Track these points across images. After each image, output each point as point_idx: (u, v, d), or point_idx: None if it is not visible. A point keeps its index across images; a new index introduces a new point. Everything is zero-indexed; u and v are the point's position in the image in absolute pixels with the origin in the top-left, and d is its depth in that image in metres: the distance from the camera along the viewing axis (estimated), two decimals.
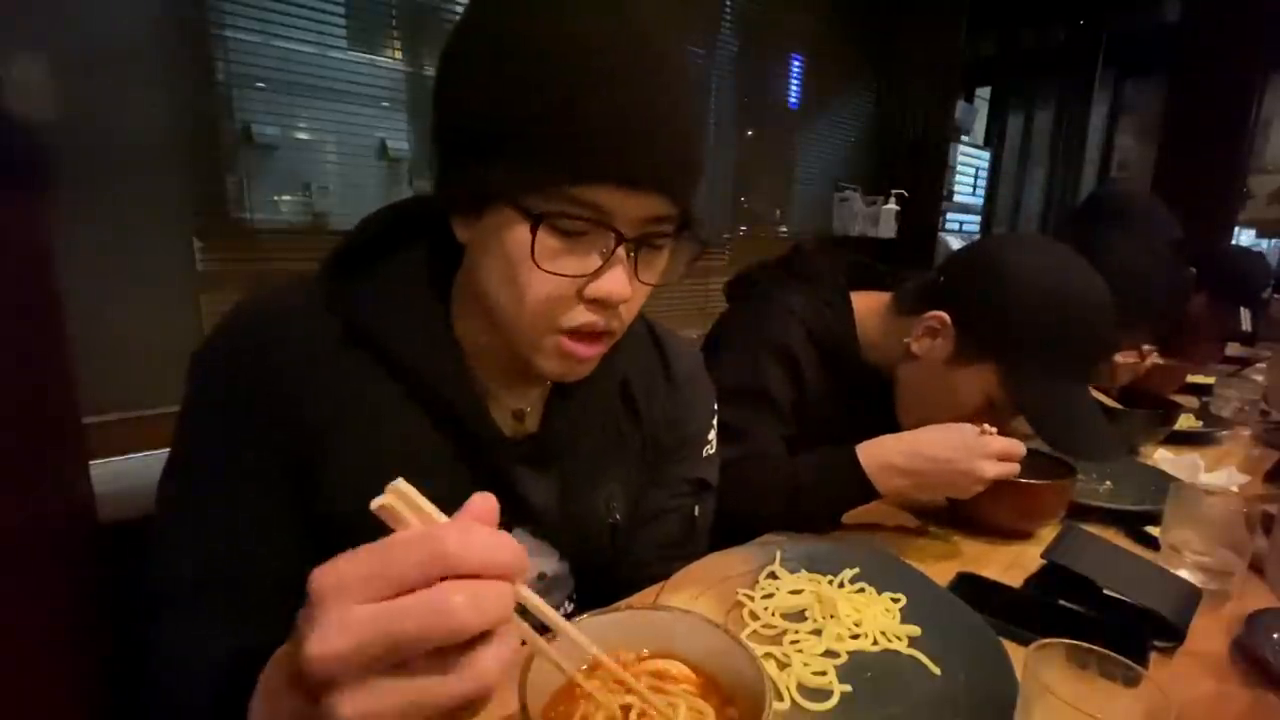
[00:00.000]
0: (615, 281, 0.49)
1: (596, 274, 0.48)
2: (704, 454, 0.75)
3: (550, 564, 0.63)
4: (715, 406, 0.77)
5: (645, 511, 0.70)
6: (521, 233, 0.46)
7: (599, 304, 0.50)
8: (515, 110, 0.45)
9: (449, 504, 0.56)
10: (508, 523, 0.60)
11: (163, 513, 0.53)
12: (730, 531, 0.77)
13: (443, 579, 0.27)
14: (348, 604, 0.26)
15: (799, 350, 0.95)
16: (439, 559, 0.27)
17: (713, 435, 0.76)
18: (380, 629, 0.26)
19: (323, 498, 0.52)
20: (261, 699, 0.35)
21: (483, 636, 0.27)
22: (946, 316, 0.87)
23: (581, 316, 0.50)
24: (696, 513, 0.73)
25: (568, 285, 0.49)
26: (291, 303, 0.54)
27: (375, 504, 0.29)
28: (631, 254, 0.49)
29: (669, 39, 0.47)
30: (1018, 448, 0.79)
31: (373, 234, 0.56)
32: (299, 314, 0.53)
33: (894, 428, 0.94)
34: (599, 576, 0.66)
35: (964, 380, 0.86)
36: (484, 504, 0.31)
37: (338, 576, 0.27)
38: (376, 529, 0.53)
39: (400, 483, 0.29)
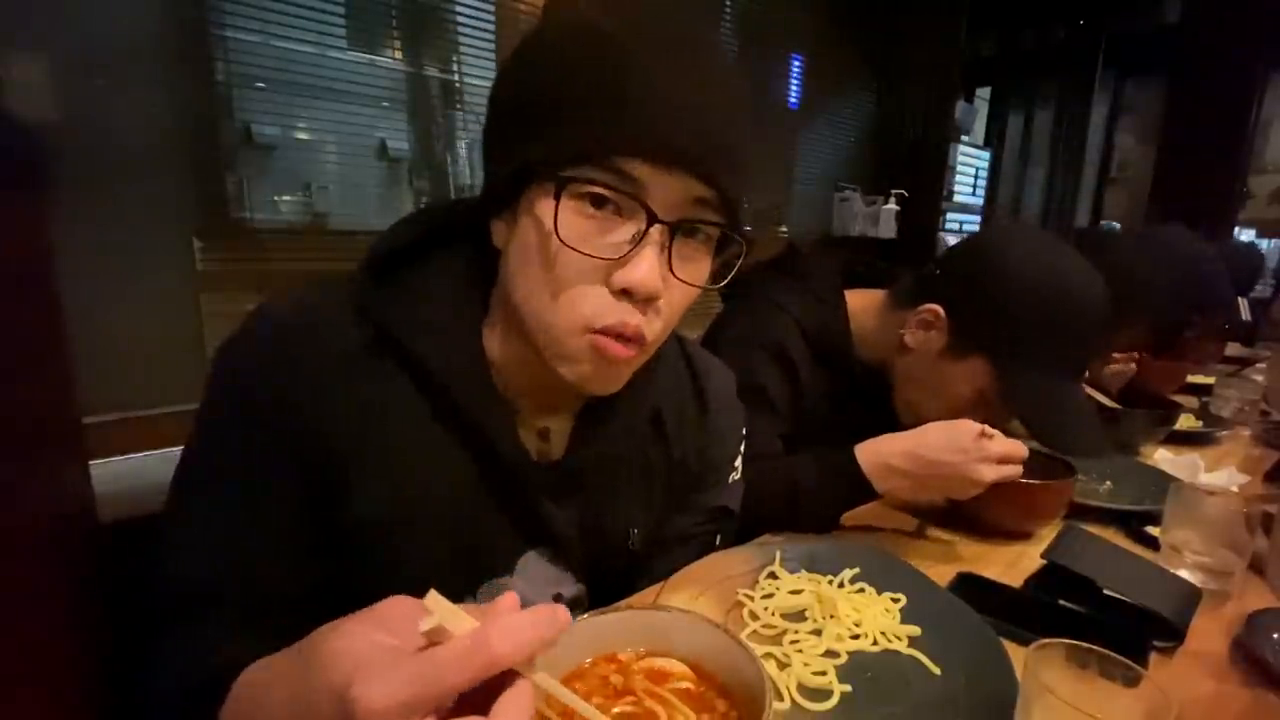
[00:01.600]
0: (644, 268, 0.46)
1: (624, 259, 0.46)
2: (729, 480, 0.73)
3: (568, 586, 0.62)
4: (744, 431, 0.76)
5: (667, 536, 0.69)
6: (549, 204, 0.45)
7: (628, 296, 0.47)
8: (554, 91, 0.45)
9: (464, 527, 0.54)
10: (526, 544, 0.59)
11: (174, 516, 0.52)
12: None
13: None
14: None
15: (794, 349, 0.95)
16: (490, 665, 0.27)
17: (739, 462, 0.75)
18: None
19: (346, 511, 0.51)
20: None
21: None
22: (940, 309, 0.87)
23: (612, 314, 0.47)
24: (718, 541, 0.73)
25: (595, 273, 0.47)
26: (318, 308, 0.53)
27: (424, 628, 0.29)
28: (666, 243, 0.47)
29: (706, 32, 0.49)
30: (1019, 450, 0.78)
31: (410, 239, 0.55)
32: (326, 320, 0.52)
33: (890, 425, 0.94)
34: (613, 596, 0.65)
35: (957, 373, 0.87)
36: (510, 602, 0.32)
37: (389, 698, 0.26)
38: (399, 544, 0.52)
39: (432, 594, 0.30)
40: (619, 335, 0.48)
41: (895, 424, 0.99)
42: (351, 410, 0.51)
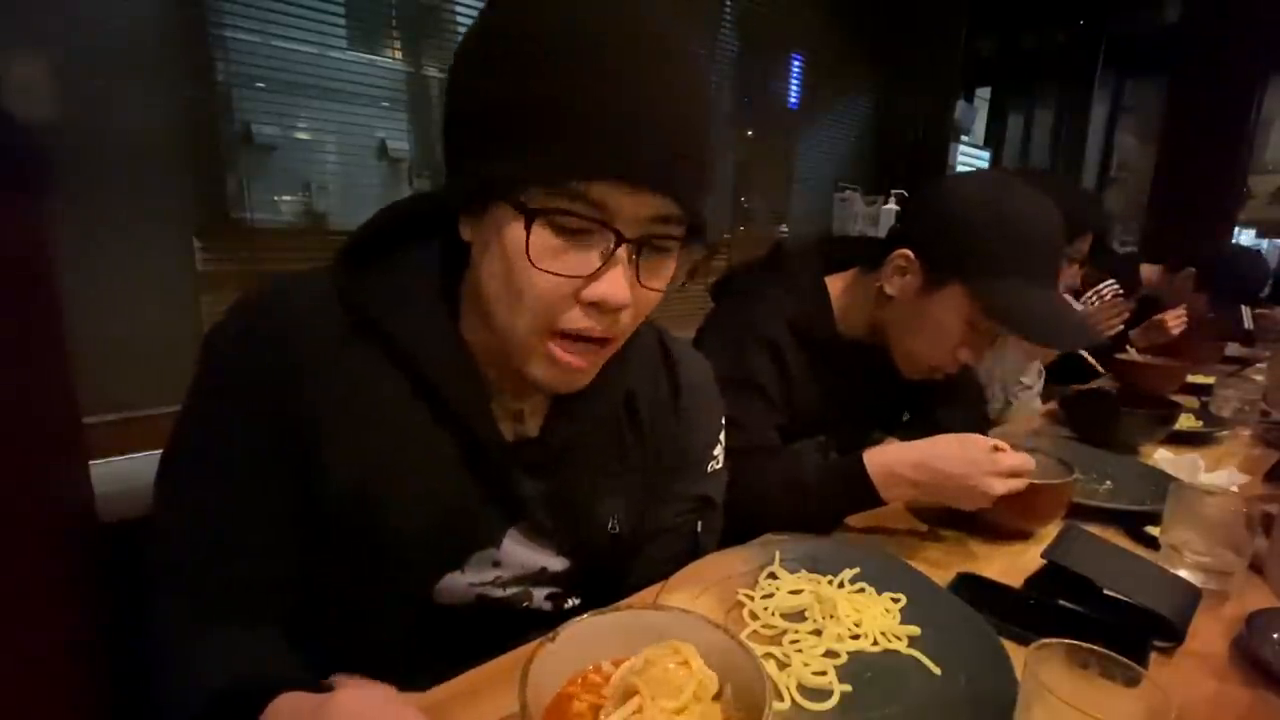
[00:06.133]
0: (613, 284, 0.47)
1: (594, 275, 0.47)
2: (708, 470, 0.74)
3: (552, 560, 0.63)
4: (723, 421, 0.77)
5: (649, 528, 0.69)
6: (518, 230, 0.46)
7: (596, 308, 0.48)
8: (514, 105, 0.45)
9: (445, 501, 0.56)
10: (507, 520, 0.60)
11: (163, 494, 0.53)
12: (731, 529, 0.77)
13: None
14: None
15: (779, 337, 0.97)
16: None
17: (719, 451, 0.75)
18: None
19: (319, 489, 0.52)
20: None
21: None
22: (909, 252, 0.92)
23: (578, 320, 0.49)
24: (699, 529, 0.73)
25: (564, 286, 0.47)
26: (303, 291, 0.54)
27: None
28: (633, 256, 0.48)
29: (679, 38, 0.47)
30: (1028, 463, 0.80)
31: (388, 228, 0.56)
32: (310, 303, 0.53)
33: (879, 407, 0.96)
34: (603, 580, 0.66)
35: (940, 306, 0.91)
36: None
37: None
38: (380, 517, 0.53)
39: None
40: (583, 340, 0.50)
41: (881, 397, 1.02)
42: (331, 386, 0.52)
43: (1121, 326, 1.66)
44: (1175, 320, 1.87)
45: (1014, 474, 0.79)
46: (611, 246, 0.47)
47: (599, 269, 0.47)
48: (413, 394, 0.54)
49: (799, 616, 0.62)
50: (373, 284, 0.54)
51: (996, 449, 0.80)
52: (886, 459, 0.82)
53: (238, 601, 0.52)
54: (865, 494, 0.81)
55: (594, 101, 0.43)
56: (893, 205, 2.92)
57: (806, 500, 0.84)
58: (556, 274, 0.47)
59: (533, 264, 0.46)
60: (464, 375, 0.55)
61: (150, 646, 0.51)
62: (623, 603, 0.63)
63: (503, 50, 0.45)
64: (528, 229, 0.45)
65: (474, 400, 0.55)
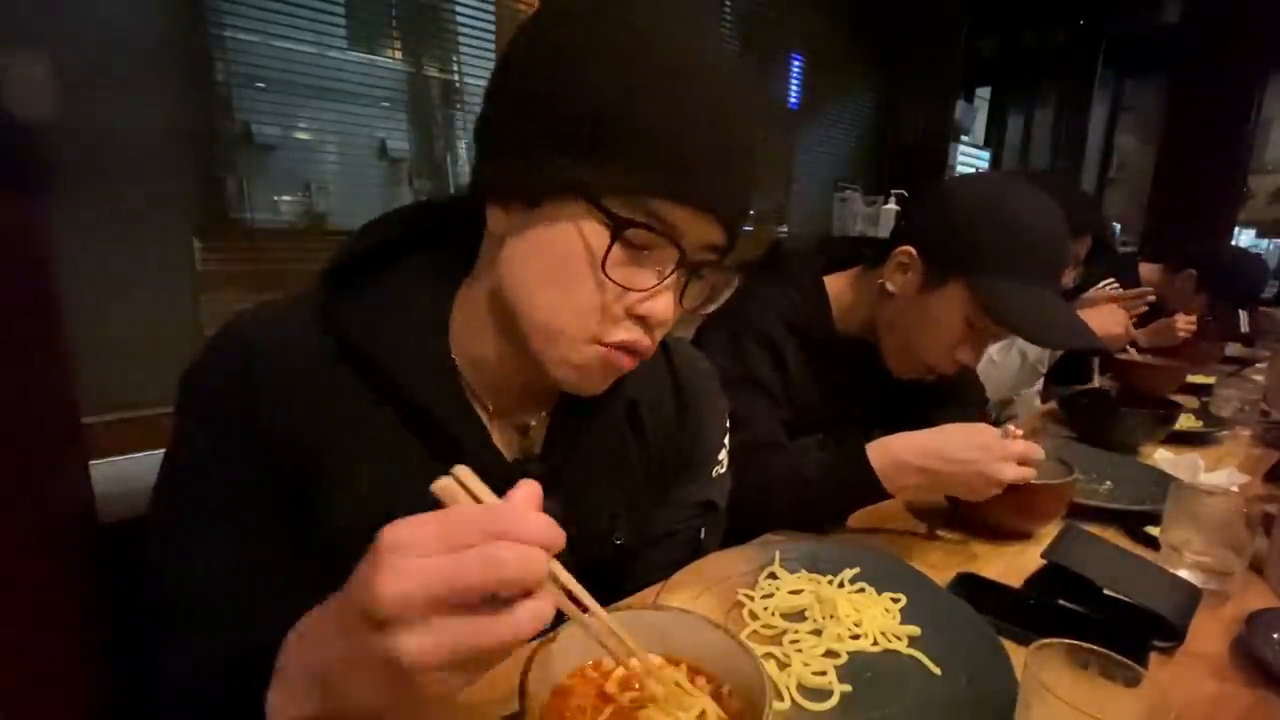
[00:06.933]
0: (666, 302, 0.50)
1: (651, 292, 0.49)
2: (712, 474, 0.73)
3: None
4: (727, 425, 0.76)
5: (651, 533, 0.69)
6: (592, 231, 0.46)
7: (643, 322, 0.50)
8: (614, 116, 0.45)
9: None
10: None
11: (157, 534, 0.51)
12: (735, 525, 0.77)
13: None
14: (412, 556, 0.30)
15: (776, 335, 0.97)
16: (495, 528, 0.32)
17: (723, 455, 0.75)
18: (443, 574, 0.30)
19: (322, 522, 0.51)
20: (295, 656, 0.38)
21: (523, 595, 0.32)
22: (911, 248, 0.92)
23: (625, 332, 0.50)
24: (702, 535, 0.72)
25: (619, 297, 0.49)
26: (282, 321, 0.53)
27: (435, 486, 0.34)
28: (684, 279, 0.50)
29: (766, 96, 0.51)
30: (1037, 451, 0.80)
31: (370, 245, 0.54)
32: (290, 333, 0.52)
33: (877, 406, 0.96)
34: (602, 594, 0.65)
35: (940, 304, 0.90)
36: (530, 490, 0.35)
37: (406, 534, 0.31)
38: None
39: (460, 467, 0.34)
40: (631, 351, 0.51)
41: (881, 396, 1.04)
42: (319, 423, 0.51)
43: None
44: (1185, 324, 1.86)
45: (1023, 461, 0.78)
46: (672, 267, 0.49)
47: (655, 286, 0.49)
48: (402, 421, 0.53)
49: (799, 616, 0.62)
50: (356, 307, 0.52)
51: (1006, 434, 0.80)
52: (891, 448, 0.81)
53: (239, 632, 0.51)
54: (868, 485, 0.81)
55: (696, 130, 0.46)
56: (893, 205, 2.92)
57: (808, 494, 0.83)
58: (621, 285, 0.48)
59: (604, 271, 0.47)
60: (455, 398, 0.54)
61: (155, 689, 0.50)
62: (623, 603, 0.63)
63: (607, 61, 0.45)
64: (613, 237, 0.46)
65: (468, 423, 0.54)
